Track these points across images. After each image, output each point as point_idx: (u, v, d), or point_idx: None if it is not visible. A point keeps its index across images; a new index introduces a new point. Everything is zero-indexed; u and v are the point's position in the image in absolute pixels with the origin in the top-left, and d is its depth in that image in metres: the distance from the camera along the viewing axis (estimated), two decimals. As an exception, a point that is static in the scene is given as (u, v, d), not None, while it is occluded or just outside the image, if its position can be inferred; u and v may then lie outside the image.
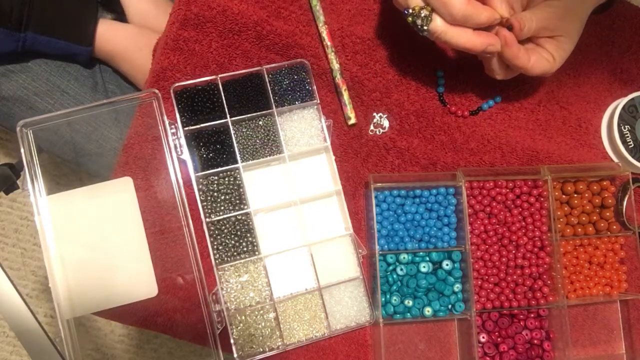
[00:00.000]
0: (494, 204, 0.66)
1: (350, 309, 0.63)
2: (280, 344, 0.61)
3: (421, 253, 0.64)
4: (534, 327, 0.66)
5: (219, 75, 0.62)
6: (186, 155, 0.61)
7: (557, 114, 0.71)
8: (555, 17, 0.57)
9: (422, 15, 0.53)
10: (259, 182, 0.64)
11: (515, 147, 0.69)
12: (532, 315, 0.66)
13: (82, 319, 0.59)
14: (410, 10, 0.54)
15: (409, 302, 0.63)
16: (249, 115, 0.62)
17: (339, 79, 0.66)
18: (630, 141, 0.69)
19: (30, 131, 0.59)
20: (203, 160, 0.62)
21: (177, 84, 0.62)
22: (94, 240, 0.59)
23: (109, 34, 0.76)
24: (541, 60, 0.58)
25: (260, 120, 0.63)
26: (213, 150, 0.62)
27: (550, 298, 0.65)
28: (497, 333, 0.65)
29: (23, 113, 0.74)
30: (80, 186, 0.59)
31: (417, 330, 0.65)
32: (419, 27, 0.54)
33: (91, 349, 1.25)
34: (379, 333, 0.62)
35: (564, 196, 0.69)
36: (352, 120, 0.66)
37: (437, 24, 0.53)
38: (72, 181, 1.22)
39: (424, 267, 0.63)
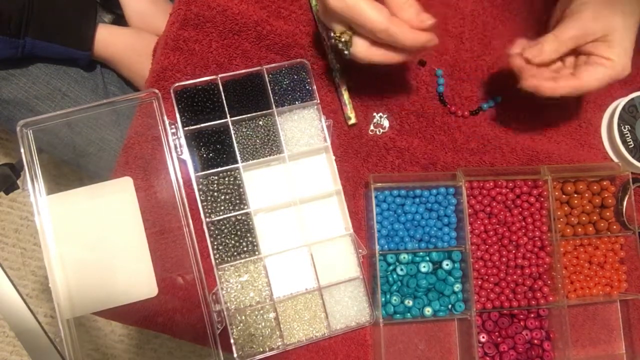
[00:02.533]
0: (494, 204, 0.66)
1: (350, 309, 0.63)
2: (280, 344, 0.61)
3: (421, 253, 0.64)
4: (534, 327, 0.66)
5: (219, 75, 0.62)
6: (186, 155, 0.61)
7: (557, 114, 0.71)
8: (587, 19, 0.55)
9: (343, 40, 0.54)
10: (259, 182, 0.64)
11: (515, 147, 0.69)
12: (532, 315, 0.66)
13: (82, 319, 0.59)
14: (332, 34, 0.55)
15: (409, 302, 0.63)
16: (249, 115, 0.62)
17: (339, 79, 0.66)
18: (630, 141, 0.69)
19: (30, 131, 0.59)
20: (203, 160, 0.62)
21: (177, 84, 0.62)
22: (94, 240, 0.59)
23: (107, 39, 0.76)
24: (593, 71, 0.55)
25: (260, 120, 0.63)
26: (213, 150, 0.62)
27: (550, 298, 0.65)
28: (497, 333, 0.65)
29: (24, 116, 0.74)
30: (80, 186, 0.59)
31: (417, 330, 0.65)
32: (341, 50, 0.55)
33: (91, 349, 1.25)
34: (379, 333, 0.62)
35: (564, 196, 0.69)
36: (352, 120, 0.66)
37: (358, 47, 0.54)
38: (72, 181, 1.22)
39: (424, 267, 0.63)
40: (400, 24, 0.51)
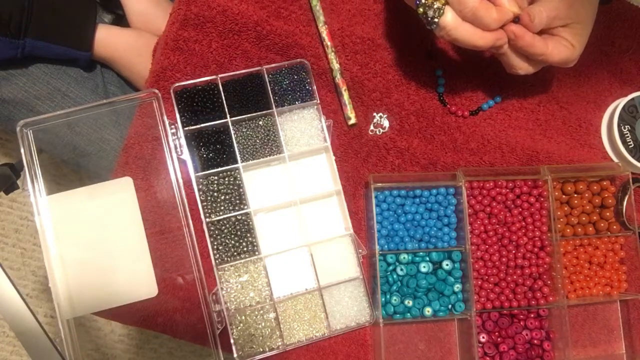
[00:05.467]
0: (494, 204, 0.66)
1: (350, 309, 0.63)
2: (280, 344, 0.61)
3: (421, 253, 0.64)
4: (534, 327, 0.66)
5: (219, 75, 0.62)
6: (186, 155, 0.61)
7: (557, 114, 0.71)
8: (564, 5, 0.56)
9: (435, 7, 0.51)
10: (259, 182, 0.64)
11: (515, 147, 0.69)
12: (532, 315, 0.66)
13: (82, 319, 0.59)
14: (423, 1, 0.52)
15: (409, 302, 0.63)
16: (249, 115, 0.62)
17: (339, 79, 0.66)
18: (630, 141, 0.69)
19: (30, 131, 0.59)
20: (203, 160, 0.62)
21: (177, 84, 0.62)
22: (94, 240, 0.59)
23: (107, 40, 0.76)
24: (559, 46, 0.57)
25: (260, 120, 0.63)
26: (213, 150, 0.62)
27: (550, 298, 0.65)
28: (497, 333, 0.65)
29: (24, 116, 0.74)
30: (80, 186, 0.59)
31: (417, 330, 0.65)
32: (430, 19, 0.52)
33: (91, 349, 1.25)
34: (379, 333, 0.62)
35: (564, 196, 0.69)
36: (352, 120, 0.66)
37: (448, 19, 0.52)
38: (72, 181, 1.22)
39: (424, 267, 0.63)
40: (491, 9, 0.52)
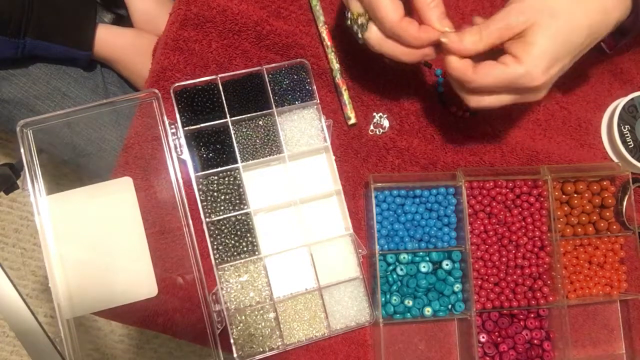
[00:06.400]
0: (494, 204, 0.66)
1: (350, 309, 0.63)
2: (280, 344, 0.61)
3: (421, 253, 0.64)
4: (534, 327, 0.66)
5: (219, 75, 0.62)
6: (186, 155, 0.61)
7: (557, 114, 0.71)
8: (513, 11, 0.48)
9: (359, 22, 0.52)
10: (259, 182, 0.64)
11: (515, 147, 0.69)
12: (532, 315, 0.66)
13: (82, 319, 0.59)
14: (349, 15, 0.52)
15: (409, 302, 0.63)
16: (249, 115, 0.62)
17: (339, 79, 0.66)
18: (630, 141, 0.69)
19: (30, 131, 0.59)
20: (203, 160, 0.62)
21: (177, 84, 0.62)
22: (94, 240, 0.59)
23: (107, 39, 0.76)
24: (492, 65, 0.48)
25: (260, 120, 0.63)
26: (213, 150, 0.62)
27: (550, 298, 0.65)
28: (497, 333, 0.65)
29: (24, 116, 0.74)
30: (80, 186, 0.59)
31: (417, 330, 0.65)
32: (355, 33, 0.53)
33: (91, 349, 1.25)
34: (379, 333, 0.62)
35: (564, 196, 0.69)
36: (352, 120, 0.66)
37: (372, 34, 0.51)
38: (72, 181, 1.22)
39: (424, 267, 0.63)
40: (409, 28, 0.49)
